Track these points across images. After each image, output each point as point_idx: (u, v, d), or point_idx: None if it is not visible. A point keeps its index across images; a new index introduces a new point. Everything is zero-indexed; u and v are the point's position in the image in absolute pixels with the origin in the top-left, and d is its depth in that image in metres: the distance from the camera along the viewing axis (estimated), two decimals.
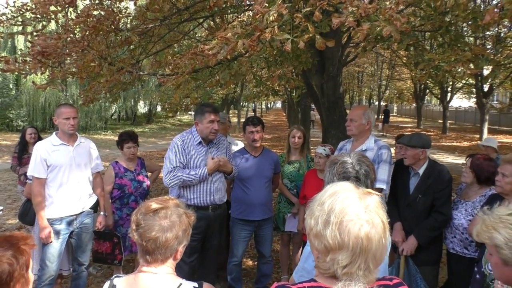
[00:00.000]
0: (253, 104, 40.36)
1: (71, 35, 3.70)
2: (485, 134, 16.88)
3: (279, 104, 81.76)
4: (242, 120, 27.95)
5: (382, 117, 24.45)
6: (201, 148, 3.38)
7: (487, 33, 9.98)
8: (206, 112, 3.30)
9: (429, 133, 22.55)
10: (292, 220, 4.12)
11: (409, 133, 4.97)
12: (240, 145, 4.46)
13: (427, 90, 26.49)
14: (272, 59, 4.93)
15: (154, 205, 1.50)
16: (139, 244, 1.49)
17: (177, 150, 3.28)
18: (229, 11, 6.28)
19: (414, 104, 34.50)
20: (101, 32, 3.87)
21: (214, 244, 3.52)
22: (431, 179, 3.06)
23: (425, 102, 36.30)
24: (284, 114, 44.77)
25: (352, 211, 1.07)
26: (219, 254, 3.77)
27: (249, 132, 3.72)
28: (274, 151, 4.46)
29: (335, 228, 1.06)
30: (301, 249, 4.20)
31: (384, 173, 2.95)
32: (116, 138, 4.08)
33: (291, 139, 4.16)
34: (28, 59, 3.62)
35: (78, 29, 3.98)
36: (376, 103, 37.34)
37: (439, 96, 24.18)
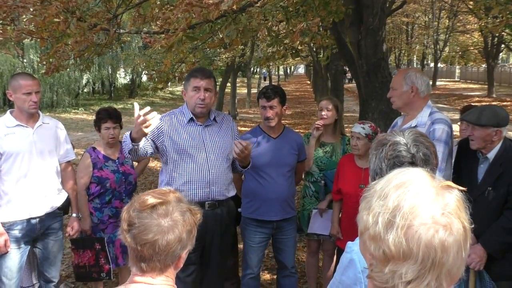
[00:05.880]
0: (264, 72, 39.85)
1: None
2: None
3: (301, 69, 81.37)
4: (253, 91, 28.05)
5: None
6: (193, 127, 3.38)
7: None
8: (191, 77, 3.34)
9: (505, 103, 22.14)
10: (318, 219, 4.08)
11: (477, 104, 4.85)
12: None
13: (502, 45, 25.90)
14: (292, 9, 4.86)
15: (150, 199, 1.51)
16: (132, 249, 1.50)
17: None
18: None
19: (483, 65, 33.84)
20: None
21: (216, 255, 3.49)
22: (504, 165, 2.98)
23: (499, 61, 35.60)
24: (309, 82, 44.56)
25: (426, 212, 1.03)
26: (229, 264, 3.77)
27: (261, 107, 3.73)
28: (297, 131, 4.45)
29: (401, 233, 1.03)
30: (335, 257, 4.22)
31: None
32: (90, 118, 4.10)
33: (320, 112, 4.16)
34: None
35: None
36: (432, 64, 36.78)
37: None
